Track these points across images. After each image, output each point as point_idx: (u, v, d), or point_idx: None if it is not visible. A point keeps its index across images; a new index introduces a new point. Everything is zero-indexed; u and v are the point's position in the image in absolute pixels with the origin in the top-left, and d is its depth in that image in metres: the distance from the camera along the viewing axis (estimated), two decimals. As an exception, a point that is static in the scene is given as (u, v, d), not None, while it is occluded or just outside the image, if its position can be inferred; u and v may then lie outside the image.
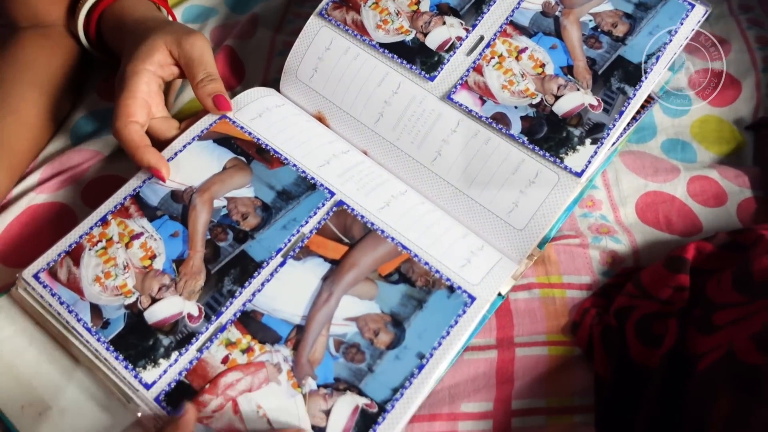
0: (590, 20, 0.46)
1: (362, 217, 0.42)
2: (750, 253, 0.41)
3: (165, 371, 0.37)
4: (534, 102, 0.44)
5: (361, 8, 0.48)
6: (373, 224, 0.41)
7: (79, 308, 0.39)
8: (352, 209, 0.42)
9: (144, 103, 0.45)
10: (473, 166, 0.44)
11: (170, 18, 0.54)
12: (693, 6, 0.45)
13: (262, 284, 0.39)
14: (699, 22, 0.45)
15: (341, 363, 0.37)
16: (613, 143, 0.45)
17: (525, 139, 0.43)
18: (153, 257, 0.40)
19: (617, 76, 0.44)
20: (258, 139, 0.45)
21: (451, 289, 0.39)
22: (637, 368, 0.39)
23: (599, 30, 0.45)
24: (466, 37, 0.46)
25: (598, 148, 0.42)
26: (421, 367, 0.37)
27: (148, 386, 0.37)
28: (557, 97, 0.44)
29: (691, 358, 0.38)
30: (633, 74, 0.44)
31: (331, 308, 0.39)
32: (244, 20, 0.60)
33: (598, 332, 0.41)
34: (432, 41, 0.46)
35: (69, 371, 0.39)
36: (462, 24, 0.47)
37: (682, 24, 0.44)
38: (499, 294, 0.43)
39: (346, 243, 0.41)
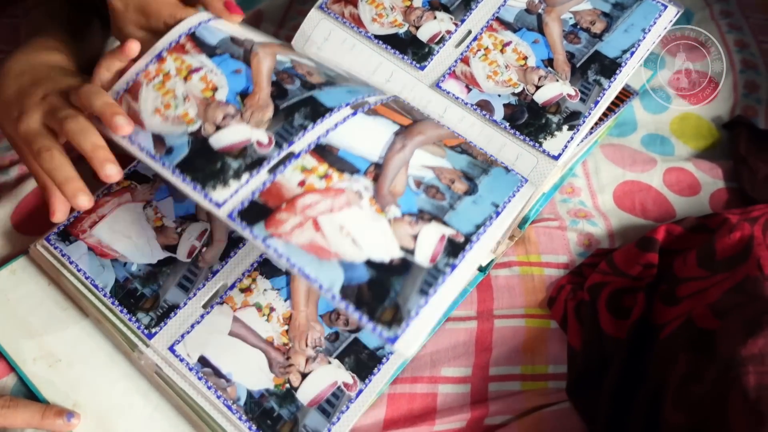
0: (570, 18, 0.49)
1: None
2: (715, 234, 0.44)
3: (236, 191, 0.36)
4: (516, 91, 0.47)
5: (358, 3, 0.51)
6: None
7: (140, 139, 0.37)
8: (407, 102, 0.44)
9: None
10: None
11: None
12: (666, 6, 0.48)
13: (335, 125, 0.39)
14: (671, 21, 0.48)
15: (423, 198, 0.37)
16: (590, 131, 0.48)
17: (507, 124, 0.46)
18: (215, 89, 0.39)
19: (594, 69, 0.47)
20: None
21: (507, 170, 0.41)
22: (607, 338, 0.42)
23: (578, 27, 0.48)
24: (455, 30, 0.50)
25: (575, 134, 0.45)
26: (497, 213, 0.38)
27: (219, 205, 0.35)
28: (538, 87, 0.47)
29: (656, 327, 0.41)
30: (608, 68, 0.47)
31: (406, 156, 0.39)
32: (249, 15, 0.64)
33: (572, 306, 0.44)
34: (423, 34, 0.50)
35: (79, 326, 0.42)
36: (452, 19, 0.50)
37: (654, 23, 0.47)
38: (481, 269, 0.46)
39: (409, 118, 0.42)
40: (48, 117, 0.39)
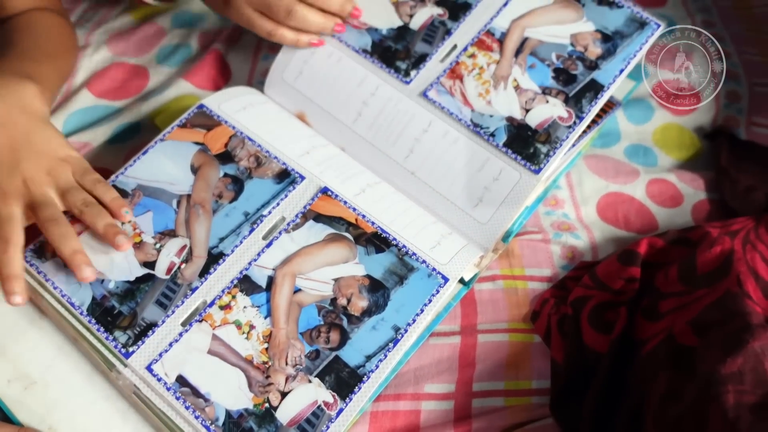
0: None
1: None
2: (696, 249, 0.44)
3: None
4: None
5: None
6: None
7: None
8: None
9: None
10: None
11: None
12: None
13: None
14: (656, 36, 0.49)
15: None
16: (573, 145, 0.48)
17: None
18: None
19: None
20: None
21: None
22: (590, 353, 0.42)
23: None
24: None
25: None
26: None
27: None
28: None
29: (637, 342, 0.41)
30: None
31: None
32: (231, 26, 0.63)
33: (555, 321, 0.44)
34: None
35: (56, 347, 0.41)
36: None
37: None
38: (464, 283, 0.46)
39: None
40: (28, 209, 0.41)
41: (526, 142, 0.46)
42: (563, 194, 0.53)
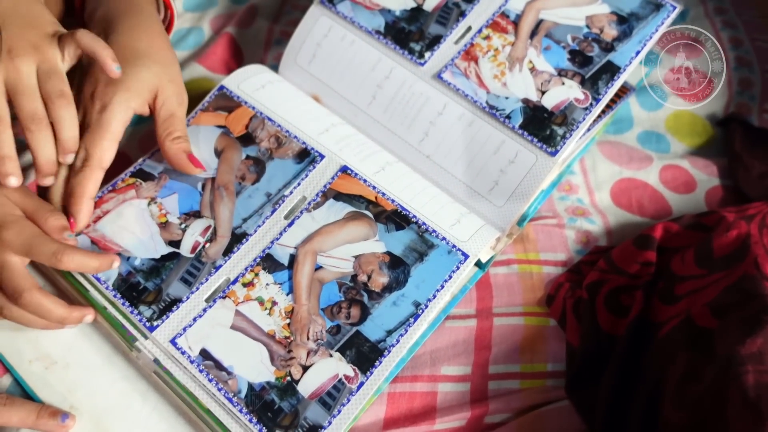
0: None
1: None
2: (712, 233, 0.44)
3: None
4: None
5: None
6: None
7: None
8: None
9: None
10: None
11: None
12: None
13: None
14: (672, 19, 0.49)
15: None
16: (588, 128, 0.48)
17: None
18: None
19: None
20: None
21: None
22: (605, 336, 0.42)
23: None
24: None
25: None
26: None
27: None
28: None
29: (654, 325, 0.41)
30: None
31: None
32: (243, 10, 0.63)
33: (570, 304, 0.44)
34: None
35: (76, 327, 0.41)
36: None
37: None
38: (480, 266, 0.46)
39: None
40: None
41: (542, 124, 0.46)
42: (577, 180, 0.53)
